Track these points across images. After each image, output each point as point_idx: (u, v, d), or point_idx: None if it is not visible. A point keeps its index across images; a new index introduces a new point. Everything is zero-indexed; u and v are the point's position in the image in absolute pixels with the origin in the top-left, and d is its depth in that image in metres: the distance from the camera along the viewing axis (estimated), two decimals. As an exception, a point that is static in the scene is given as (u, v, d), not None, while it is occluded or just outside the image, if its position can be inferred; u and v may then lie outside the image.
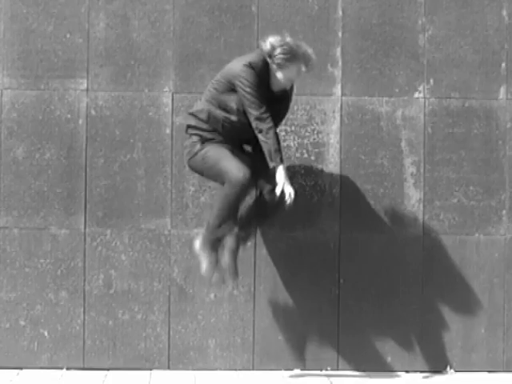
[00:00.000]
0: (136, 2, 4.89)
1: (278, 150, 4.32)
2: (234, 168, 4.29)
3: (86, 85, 4.87)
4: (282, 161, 4.33)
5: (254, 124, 4.33)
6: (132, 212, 4.87)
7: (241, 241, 4.48)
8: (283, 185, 4.30)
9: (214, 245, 4.39)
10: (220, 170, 4.35)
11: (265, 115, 4.31)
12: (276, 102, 4.48)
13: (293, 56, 4.36)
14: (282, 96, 4.53)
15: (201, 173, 4.53)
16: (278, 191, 4.31)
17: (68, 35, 4.87)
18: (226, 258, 4.36)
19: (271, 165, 4.33)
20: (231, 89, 4.37)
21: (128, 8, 4.89)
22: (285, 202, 4.32)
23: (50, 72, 4.86)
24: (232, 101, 4.39)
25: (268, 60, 4.38)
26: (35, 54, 4.86)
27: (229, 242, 4.38)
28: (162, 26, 4.90)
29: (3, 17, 4.86)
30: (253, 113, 4.32)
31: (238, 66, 4.36)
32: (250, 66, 4.33)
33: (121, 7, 4.88)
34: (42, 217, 4.85)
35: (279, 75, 4.40)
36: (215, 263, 4.39)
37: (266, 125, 4.31)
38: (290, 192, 4.31)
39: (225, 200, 4.31)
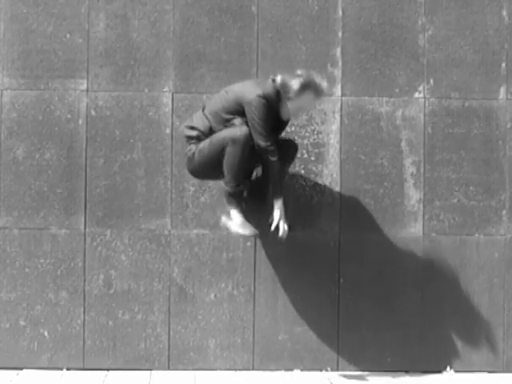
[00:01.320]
0: (136, 2, 4.89)
1: (279, 183, 4.49)
2: (230, 130, 4.38)
3: (85, 85, 4.87)
4: (281, 194, 4.49)
5: (259, 152, 4.42)
6: (132, 212, 4.87)
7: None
8: (279, 219, 4.49)
9: (238, 199, 4.49)
10: (217, 142, 4.40)
11: (271, 147, 4.40)
12: (278, 124, 4.59)
13: (306, 89, 4.42)
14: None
15: (204, 170, 4.52)
16: (273, 226, 4.50)
17: (68, 35, 4.87)
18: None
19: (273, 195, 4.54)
20: (239, 111, 4.42)
21: (128, 8, 4.89)
22: (280, 235, 4.51)
23: (49, 72, 4.86)
24: (237, 123, 4.43)
25: (281, 92, 4.44)
26: (35, 54, 4.86)
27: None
28: (162, 26, 4.90)
29: (3, 17, 4.86)
30: (259, 143, 4.39)
31: (252, 94, 4.39)
32: (264, 97, 4.39)
33: (121, 7, 4.88)
34: (42, 217, 4.85)
35: (290, 106, 4.47)
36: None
37: (271, 157, 4.41)
38: (284, 227, 4.49)
39: (233, 156, 4.36)
